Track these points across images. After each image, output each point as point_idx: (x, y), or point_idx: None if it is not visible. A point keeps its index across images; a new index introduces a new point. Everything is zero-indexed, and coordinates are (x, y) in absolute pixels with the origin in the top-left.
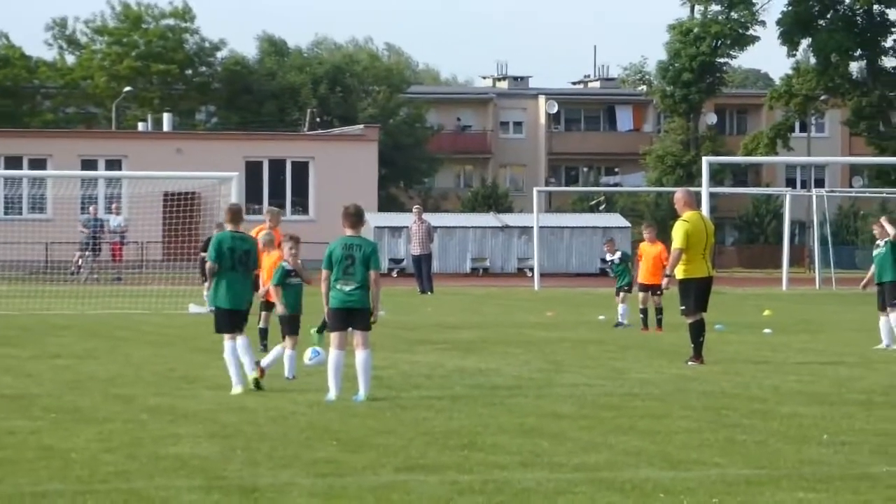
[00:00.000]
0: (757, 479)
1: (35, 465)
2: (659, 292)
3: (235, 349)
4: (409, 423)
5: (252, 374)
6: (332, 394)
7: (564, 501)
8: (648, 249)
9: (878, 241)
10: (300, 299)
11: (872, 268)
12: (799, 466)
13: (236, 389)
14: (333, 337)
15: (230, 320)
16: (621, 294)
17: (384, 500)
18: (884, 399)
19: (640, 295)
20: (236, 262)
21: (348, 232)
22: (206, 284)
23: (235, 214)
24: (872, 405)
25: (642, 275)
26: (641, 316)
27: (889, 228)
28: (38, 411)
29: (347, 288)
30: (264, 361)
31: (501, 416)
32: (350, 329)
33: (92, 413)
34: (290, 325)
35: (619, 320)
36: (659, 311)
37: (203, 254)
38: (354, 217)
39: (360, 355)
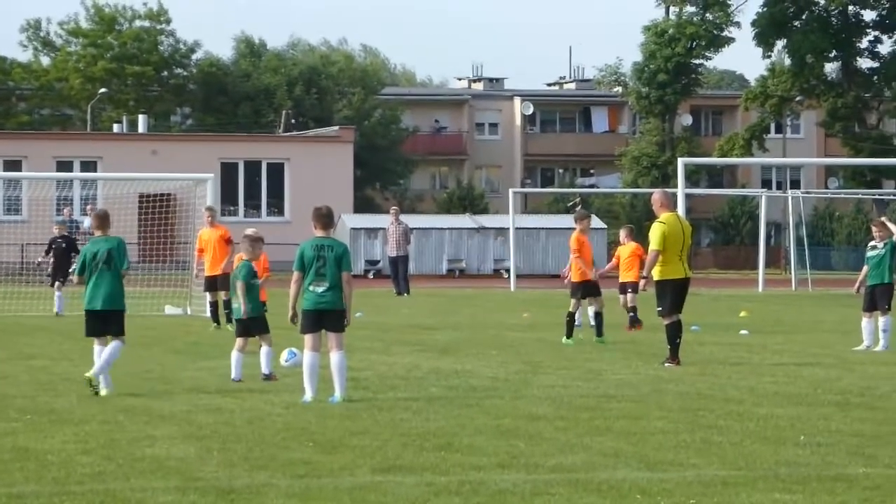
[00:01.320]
0: (733, 480)
1: (10, 467)
2: (632, 291)
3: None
4: (385, 425)
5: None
6: (307, 395)
7: (541, 502)
8: (624, 250)
9: (873, 243)
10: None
11: (865, 268)
12: (775, 467)
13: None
14: (307, 339)
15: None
16: (590, 297)
17: (360, 501)
18: (860, 400)
19: (621, 297)
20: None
21: (319, 233)
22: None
23: None
24: (849, 406)
25: (621, 275)
26: (631, 315)
27: (893, 228)
28: (13, 412)
29: (320, 289)
30: (235, 373)
31: (478, 418)
32: (323, 331)
33: (68, 414)
34: (260, 325)
35: (577, 323)
36: (633, 310)
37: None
38: (326, 218)
39: (334, 357)
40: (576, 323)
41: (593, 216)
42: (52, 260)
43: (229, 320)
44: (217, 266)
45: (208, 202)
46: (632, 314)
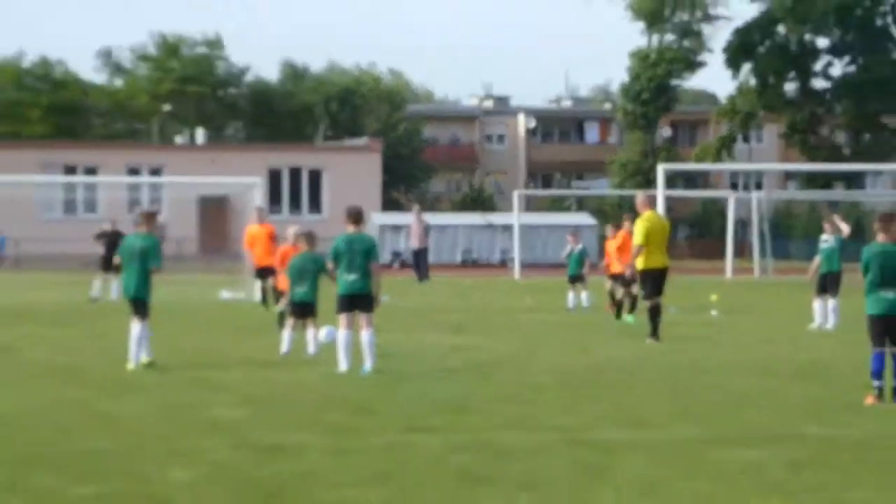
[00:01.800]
0: (705, 439)
1: (91, 427)
2: (621, 281)
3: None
4: (409, 392)
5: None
6: (342, 366)
7: (542, 458)
8: (612, 243)
9: (825, 237)
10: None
11: (817, 258)
12: (741, 428)
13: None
14: (342, 318)
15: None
16: (575, 284)
17: (389, 458)
18: (812, 371)
19: (609, 284)
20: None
21: (351, 229)
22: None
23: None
24: (803, 376)
25: (613, 266)
26: (611, 298)
27: (843, 227)
28: (91, 382)
29: (352, 277)
30: (286, 347)
31: (488, 386)
32: (355, 312)
33: (138, 384)
34: (314, 310)
35: (569, 307)
36: (612, 294)
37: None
38: (357, 216)
39: (365, 334)
40: (570, 307)
41: (586, 214)
42: (102, 250)
43: (273, 302)
44: (265, 258)
45: (257, 203)
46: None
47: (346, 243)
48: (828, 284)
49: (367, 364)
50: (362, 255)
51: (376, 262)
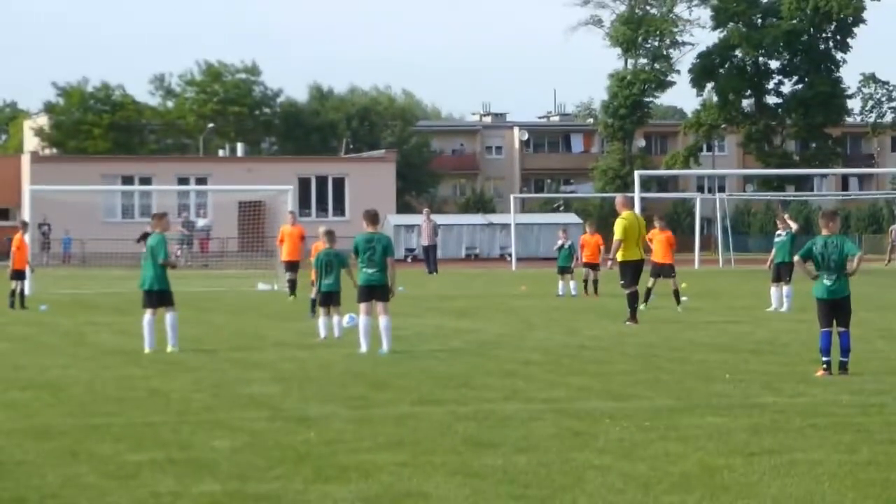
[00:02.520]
0: (677, 408)
1: (144, 402)
2: (597, 269)
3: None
4: (420, 369)
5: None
6: (363, 348)
7: (535, 426)
8: (589, 239)
9: (779, 231)
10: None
11: (773, 251)
12: (708, 398)
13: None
14: (362, 306)
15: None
16: (564, 274)
17: (402, 426)
18: (770, 348)
19: (584, 270)
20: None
21: (369, 228)
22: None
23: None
24: (761, 353)
25: (586, 256)
26: (584, 285)
27: (792, 224)
28: (145, 362)
29: (370, 270)
30: (323, 333)
31: (488, 364)
32: (373, 301)
33: (185, 363)
34: (338, 299)
35: (559, 293)
36: (595, 282)
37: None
38: (373, 217)
39: (382, 320)
40: (559, 293)
41: (573, 214)
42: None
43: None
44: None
45: (289, 207)
46: (595, 285)
47: (364, 241)
48: (781, 273)
49: (385, 346)
50: (380, 251)
51: (391, 257)
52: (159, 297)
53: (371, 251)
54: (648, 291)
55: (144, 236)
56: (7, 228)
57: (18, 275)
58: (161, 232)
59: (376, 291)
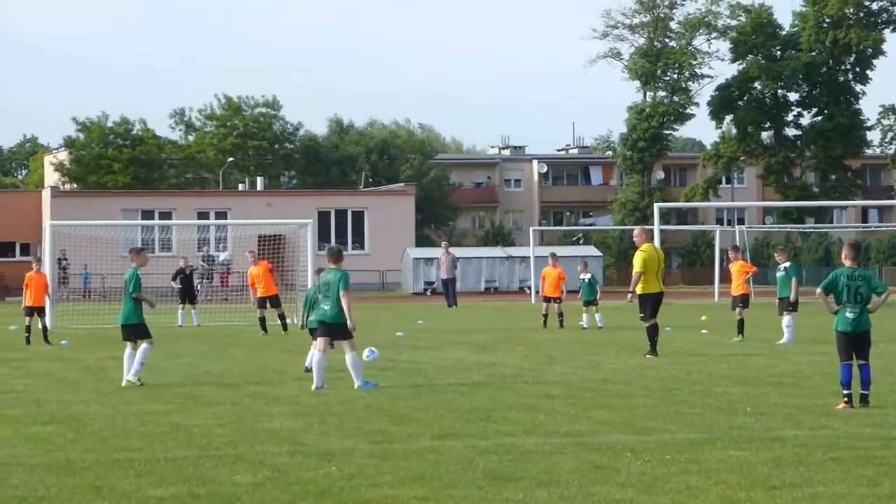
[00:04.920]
0: (698, 441)
1: (166, 437)
2: (559, 301)
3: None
4: (440, 403)
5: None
6: (315, 383)
7: (557, 459)
8: (550, 272)
9: (780, 265)
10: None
11: (794, 280)
12: (729, 431)
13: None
14: (316, 342)
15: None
16: (589, 306)
17: (424, 460)
18: (791, 381)
19: (544, 304)
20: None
21: (331, 265)
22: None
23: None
24: (782, 385)
25: (547, 289)
26: (543, 318)
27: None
28: (167, 397)
29: (325, 306)
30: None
31: (509, 397)
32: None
33: (207, 398)
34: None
35: (583, 325)
36: (560, 314)
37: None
38: (335, 254)
39: (347, 357)
40: (583, 325)
41: (592, 246)
42: (179, 286)
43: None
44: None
45: (308, 242)
46: (560, 318)
47: (322, 278)
48: (782, 306)
49: (355, 381)
50: (333, 286)
51: (344, 291)
52: (132, 330)
53: (326, 286)
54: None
55: (179, 273)
56: (26, 263)
57: (31, 311)
58: (137, 266)
59: (328, 328)
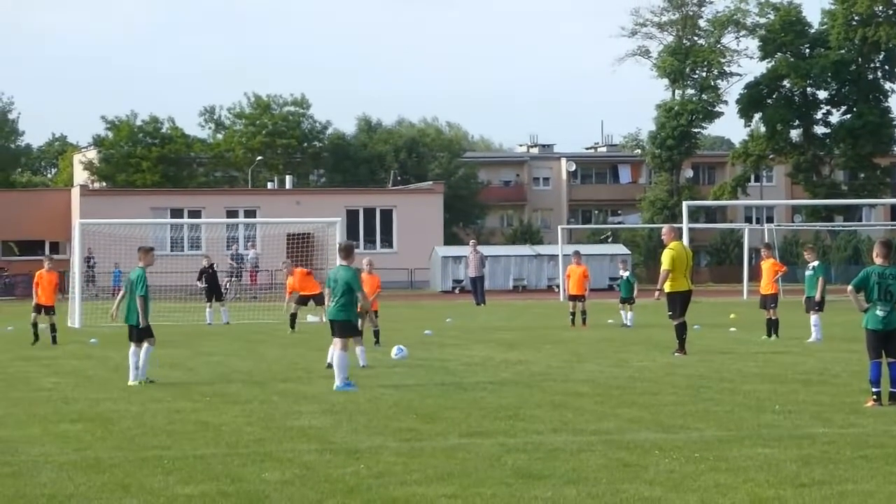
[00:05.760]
0: (727, 439)
1: (195, 435)
2: (582, 299)
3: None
4: (468, 401)
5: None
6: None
7: (585, 457)
8: (575, 270)
9: (809, 264)
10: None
11: (821, 280)
12: (757, 429)
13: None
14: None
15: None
16: (625, 304)
17: (452, 458)
18: (819, 378)
19: (570, 303)
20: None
21: (342, 262)
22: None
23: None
24: (811, 383)
25: (571, 287)
26: (571, 317)
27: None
28: (196, 395)
29: (332, 305)
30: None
31: (537, 395)
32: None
33: (236, 396)
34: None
35: (625, 323)
36: (584, 312)
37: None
38: (345, 250)
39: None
40: (625, 323)
41: (621, 245)
42: (205, 284)
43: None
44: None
45: (337, 240)
46: (584, 315)
47: (331, 274)
48: (809, 305)
49: (336, 381)
50: (341, 285)
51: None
52: (135, 330)
53: (334, 284)
54: (770, 323)
55: (204, 272)
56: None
57: (39, 308)
58: (145, 266)
59: (335, 325)
